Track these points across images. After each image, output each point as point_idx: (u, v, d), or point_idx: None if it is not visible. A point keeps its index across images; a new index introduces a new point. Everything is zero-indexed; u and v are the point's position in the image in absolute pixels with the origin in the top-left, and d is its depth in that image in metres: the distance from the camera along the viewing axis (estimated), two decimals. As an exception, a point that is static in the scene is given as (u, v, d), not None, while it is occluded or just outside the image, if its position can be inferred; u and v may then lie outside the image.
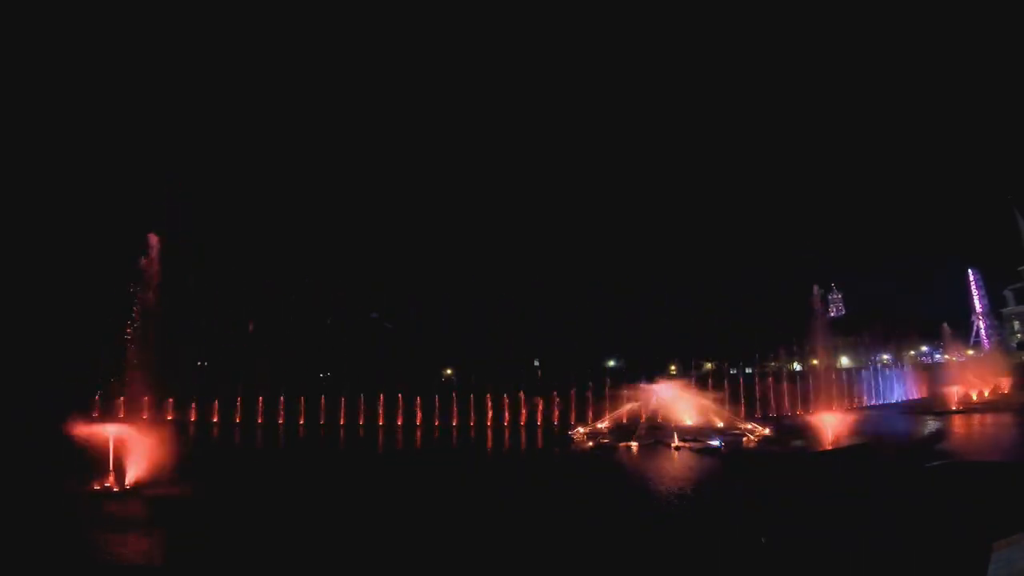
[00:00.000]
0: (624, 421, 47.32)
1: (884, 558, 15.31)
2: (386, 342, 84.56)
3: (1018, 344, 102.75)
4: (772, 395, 63.55)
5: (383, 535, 19.61)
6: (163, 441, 27.37)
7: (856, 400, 68.24)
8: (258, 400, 60.74)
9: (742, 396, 62.52)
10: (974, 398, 67.49)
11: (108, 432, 26.37)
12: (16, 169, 79.98)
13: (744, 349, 78.81)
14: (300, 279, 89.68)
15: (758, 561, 15.91)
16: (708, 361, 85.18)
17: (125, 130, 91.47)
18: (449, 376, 79.15)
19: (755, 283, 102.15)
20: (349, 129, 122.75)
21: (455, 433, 55.00)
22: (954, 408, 60.00)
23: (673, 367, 76.60)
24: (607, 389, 55.38)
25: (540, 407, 58.14)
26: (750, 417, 53.95)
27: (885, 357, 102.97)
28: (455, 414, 58.52)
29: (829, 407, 47.81)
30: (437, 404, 58.48)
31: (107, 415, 29.35)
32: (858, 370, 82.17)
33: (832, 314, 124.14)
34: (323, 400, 59.83)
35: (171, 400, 54.34)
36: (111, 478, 25.31)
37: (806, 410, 57.14)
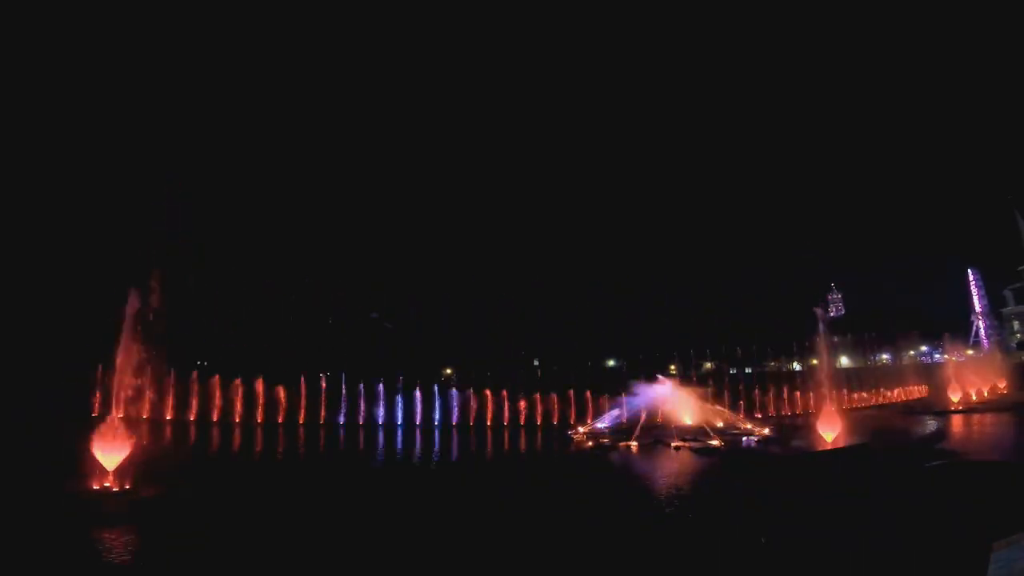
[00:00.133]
0: (623, 421, 47.30)
1: (884, 558, 15.31)
2: (386, 342, 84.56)
3: (1018, 344, 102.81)
4: (772, 395, 63.61)
5: (383, 535, 19.61)
6: (162, 441, 27.39)
7: (856, 400, 68.30)
8: (258, 400, 60.73)
9: (742, 396, 62.53)
10: (974, 398, 67.56)
11: (108, 432, 26.34)
12: (17, 169, 80.00)
13: (744, 349, 78.87)
14: (300, 279, 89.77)
15: (758, 561, 15.91)
16: (708, 361, 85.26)
17: (125, 130, 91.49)
18: (449, 376, 79.17)
19: (755, 283, 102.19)
20: (349, 129, 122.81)
21: (455, 433, 55.00)
22: (954, 408, 60.05)
23: (673, 367, 76.64)
24: (607, 389, 55.41)
25: (540, 407, 58.15)
26: (750, 417, 54.00)
27: (885, 357, 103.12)
28: (455, 414, 58.57)
29: (829, 407, 47.86)
30: (437, 404, 58.52)
31: (107, 415, 29.26)
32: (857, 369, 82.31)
33: (832, 314, 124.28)
34: (323, 400, 59.83)
35: (171, 400, 54.33)
36: (110, 478, 25.30)
37: (806, 409, 57.21)
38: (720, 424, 45.52)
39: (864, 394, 71.05)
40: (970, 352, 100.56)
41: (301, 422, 58.45)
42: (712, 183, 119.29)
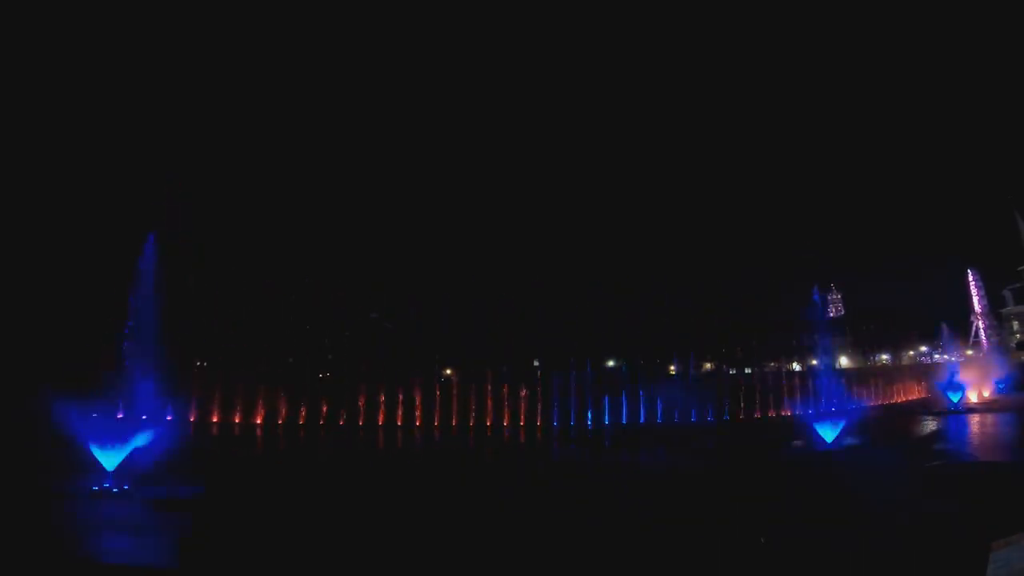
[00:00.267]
0: None
1: (884, 558, 15.33)
2: (386, 342, 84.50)
3: (1017, 344, 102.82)
4: (771, 395, 63.72)
5: (383, 535, 19.62)
6: (162, 441, 27.37)
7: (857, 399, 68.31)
8: (258, 400, 60.77)
9: (741, 395, 62.62)
10: (973, 399, 67.59)
11: (107, 432, 26.35)
12: (16, 169, 79.95)
13: (744, 349, 78.87)
14: (300, 279, 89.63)
15: (758, 561, 15.92)
16: (708, 361, 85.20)
17: (125, 130, 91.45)
18: (449, 376, 79.07)
19: (755, 283, 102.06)
20: (349, 129, 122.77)
21: (454, 433, 55.07)
22: (953, 408, 60.09)
23: (672, 367, 76.61)
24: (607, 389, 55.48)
25: (539, 407, 58.21)
26: (748, 417, 54.10)
27: (884, 357, 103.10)
28: (455, 414, 58.63)
29: (829, 406, 47.91)
30: (437, 404, 58.58)
31: (106, 415, 29.28)
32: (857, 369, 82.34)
33: (832, 314, 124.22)
34: (323, 400, 59.88)
35: (170, 400, 54.32)
36: (110, 479, 25.31)
37: (806, 410, 57.22)
38: None
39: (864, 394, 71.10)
40: (969, 352, 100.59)
41: (301, 422, 58.55)
42: (712, 183, 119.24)
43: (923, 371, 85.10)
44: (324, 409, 59.52)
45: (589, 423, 59.66)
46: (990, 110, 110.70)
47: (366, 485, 29.39)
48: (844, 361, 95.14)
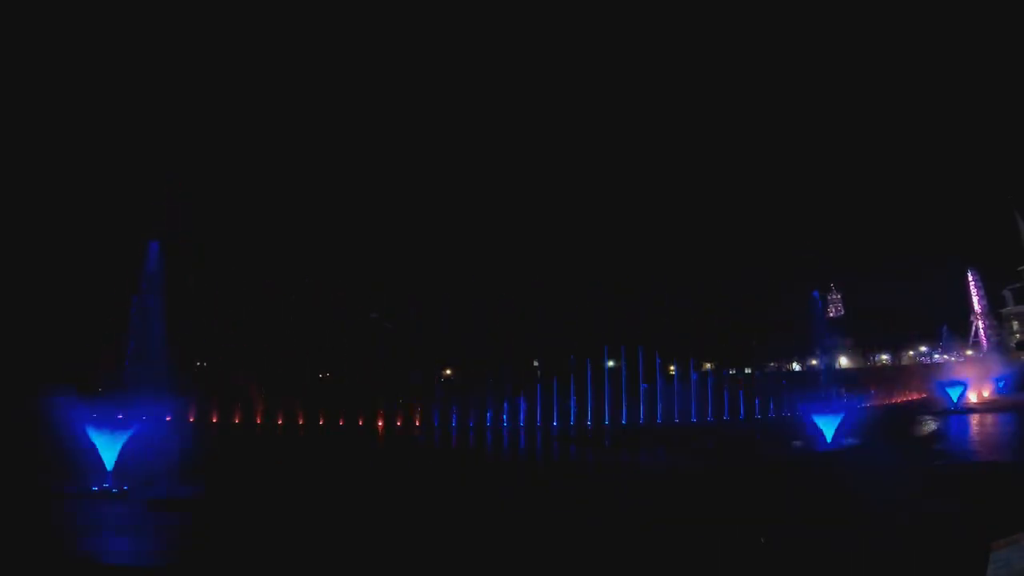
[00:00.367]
0: None
1: (884, 558, 15.33)
2: (386, 342, 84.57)
3: (1017, 344, 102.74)
4: (771, 394, 63.73)
5: (382, 535, 19.63)
6: (161, 442, 27.39)
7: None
8: (257, 401, 60.76)
9: (741, 395, 62.64)
10: (973, 399, 67.56)
11: (107, 432, 26.35)
12: (16, 169, 79.95)
13: (744, 349, 78.91)
14: (300, 279, 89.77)
15: (758, 561, 15.93)
16: (708, 361, 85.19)
17: (125, 130, 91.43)
18: (449, 376, 79.22)
19: (755, 283, 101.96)
20: (348, 129, 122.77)
21: (454, 433, 55.07)
22: (953, 408, 60.06)
23: (672, 367, 76.61)
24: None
25: (539, 407, 58.24)
26: (749, 417, 54.12)
27: (884, 357, 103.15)
28: (454, 414, 58.65)
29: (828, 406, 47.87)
30: (436, 405, 58.62)
31: (106, 415, 29.28)
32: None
33: (832, 314, 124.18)
34: (322, 400, 59.90)
35: (170, 400, 54.28)
36: (109, 479, 25.31)
37: (805, 410, 57.15)
38: None
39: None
40: (969, 352, 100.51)
41: (300, 423, 58.52)
42: (712, 183, 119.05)
43: (923, 371, 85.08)
44: (324, 409, 59.50)
45: (589, 423, 59.65)
46: (990, 110, 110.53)
47: (366, 485, 29.38)
48: (844, 361, 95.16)
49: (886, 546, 16.21)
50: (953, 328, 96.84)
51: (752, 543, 16.92)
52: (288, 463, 39.01)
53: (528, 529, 19.90)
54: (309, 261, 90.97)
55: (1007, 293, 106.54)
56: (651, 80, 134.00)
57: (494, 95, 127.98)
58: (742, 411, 64.10)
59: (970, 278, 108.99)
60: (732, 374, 79.28)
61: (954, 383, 62.69)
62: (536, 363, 78.96)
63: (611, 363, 74.94)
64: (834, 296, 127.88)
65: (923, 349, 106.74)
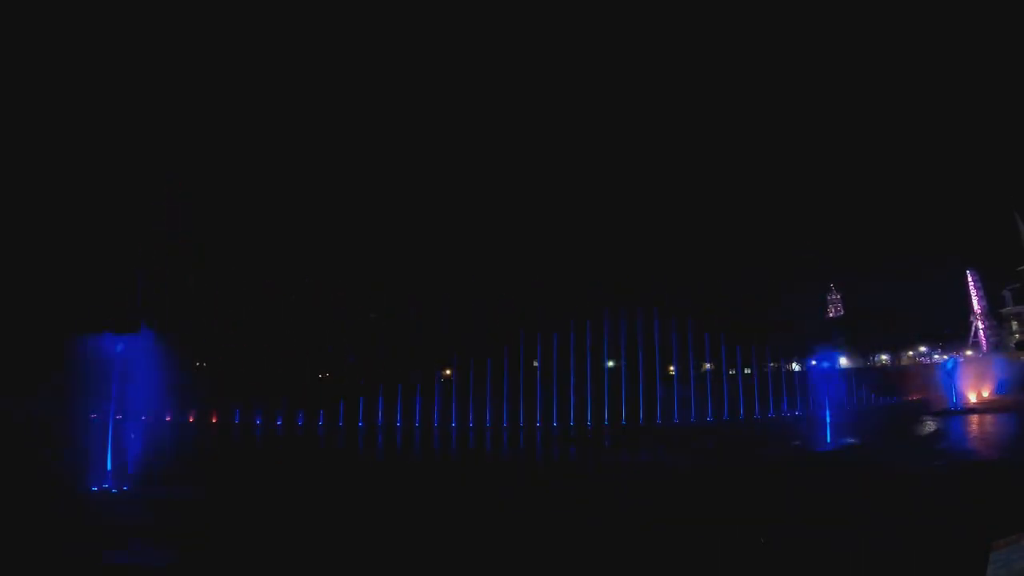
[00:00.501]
0: None
1: (884, 558, 15.33)
2: (386, 342, 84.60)
3: (1017, 344, 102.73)
4: (771, 394, 63.78)
5: (382, 535, 19.63)
6: (161, 442, 27.39)
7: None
8: (257, 400, 60.79)
9: (741, 396, 62.63)
10: (973, 399, 67.61)
11: (106, 432, 26.34)
12: (16, 169, 79.94)
13: (744, 349, 78.80)
14: (300, 279, 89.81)
15: (758, 561, 15.92)
16: (708, 361, 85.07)
17: (125, 130, 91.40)
18: (448, 376, 79.09)
19: (755, 283, 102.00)
20: (348, 129, 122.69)
21: (454, 433, 55.09)
22: (953, 409, 60.11)
23: (672, 368, 76.60)
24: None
25: (539, 407, 58.26)
26: (748, 416, 54.13)
27: (884, 357, 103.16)
28: (454, 414, 58.69)
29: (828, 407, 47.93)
30: (436, 405, 58.67)
31: (105, 415, 29.30)
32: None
33: (831, 314, 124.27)
34: (322, 400, 59.93)
35: (170, 400, 54.32)
36: (109, 479, 25.30)
37: (805, 409, 57.26)
38: None
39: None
40: (969, 352, 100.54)
41: (300, 423, 58.53)
42: (711, 183, 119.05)
43: (923, 371, 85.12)
44: (323, 409, 59.54)
45: (589, 423, 59.67)
46: (990, 110, 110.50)
47: (365, 485, 29.40)
48: (844, 361, 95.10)
49: (886, 546, 16.21)
50: (953, 328, 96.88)
51: (752, 543, 16.91)
52: (288, 462, 39.03)
53: (528, 529, 19.89)
54: (309, 261, 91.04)
55: (1007, 293, 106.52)
56: (652, 80, 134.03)
57: (494, 95, 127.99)
58: (742, 411, 64.12)
59: (970, 278, 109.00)
60: (732, 374, 79.21)
61: (953, 381, 62.72)
62: (536, 363, 78.93)
63: (611, 363, 74.94)
64: (834, 296, 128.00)
65: (923, 349, 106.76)
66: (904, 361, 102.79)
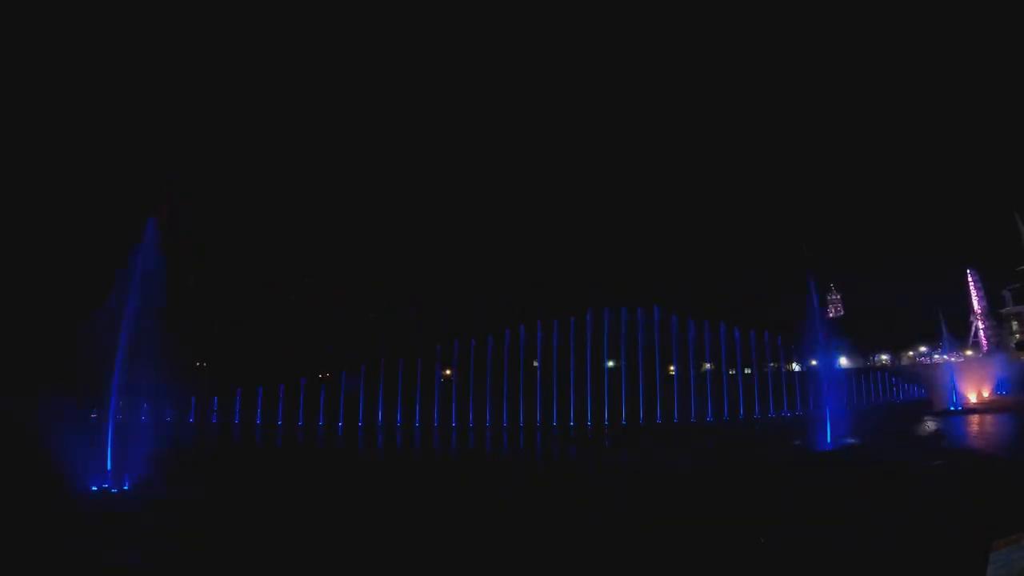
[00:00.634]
0: None
1: (884, 558, 15.32)
2: (386, 342, 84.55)
3: (1017, 344, 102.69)
4: (771, 394, 63.77)
5: (382, 535, 19.62)
6: (161, 442, 27.37)
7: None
8: (257, 400, 60.82)
9: (741, 396, 62.61)
10: (973, 399, 67.61)
11: (106, 432, 26.33)
12: (15, 169, 79.95)
13: (744, 349, 78.79)
14: (300, 279, 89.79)
15: (758, 561, 15.92)
16: (708, 361, 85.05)
17: (125, 129, 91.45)
18: (448, 376, 79.04)
19: (755, 283, 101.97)
20: (348, 129, 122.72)
21: (454, 433, 55.06)
22: (953, 409, 60.13)
23: (672, 368, 76.55)
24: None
25: (539, 407, 58.24)
26: (748, 416, 54.11)
27: (884, 357, 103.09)
28: (454, 414, 58.68)
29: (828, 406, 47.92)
30: (436, 405, 58.67)
31: (105, 415, 29.29)
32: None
33: (831, 314, 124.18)
34: (322, 400, 59.94)
35: (170, 401, 54.35)
36: (109, 479, 25.29)
37: (805, 409, 57.25)
38: None
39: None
40: (969, 353, 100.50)
41: (300, 423, 58.53)
42: (711, 183, 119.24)
43: (922, 371, 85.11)
44: (323, 409, 59.54)
45: (589, 423, 59.67)
46: (990, 110, 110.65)
47: (365, 485, 29.39)
48: (844, 361, 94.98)
49: (886, 546, 16.20)
50: (952, 328, 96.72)
51: (752, 543, 16.91)
52: (287, 462, 39.03)
53: (528, 529, 19.89)
54: (309, 261, 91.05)
55: (1007, 293, 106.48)
56: (653, 80, 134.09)
57: (494, 95, 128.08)
58: (742, 411, 64.12)
59: (970, 278, 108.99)
60: (732, 374, 79.23)
61: (952, 382, 62.79)
62: (536, 363, 78.94)
63: (611, 363, 74.94)
64: (834, 296, 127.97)
65: (923, 349, 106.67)
66: (904, 361, 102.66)
